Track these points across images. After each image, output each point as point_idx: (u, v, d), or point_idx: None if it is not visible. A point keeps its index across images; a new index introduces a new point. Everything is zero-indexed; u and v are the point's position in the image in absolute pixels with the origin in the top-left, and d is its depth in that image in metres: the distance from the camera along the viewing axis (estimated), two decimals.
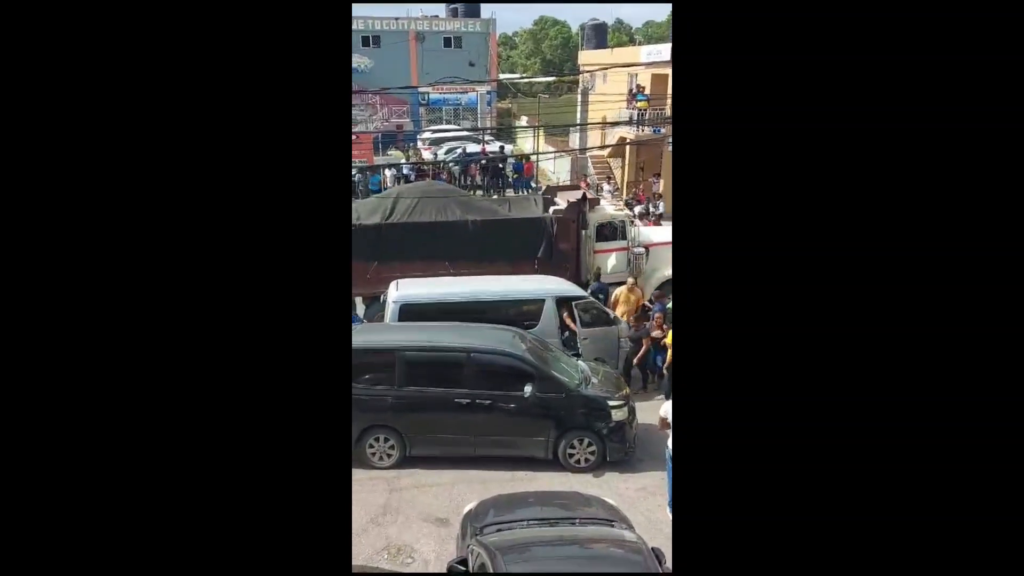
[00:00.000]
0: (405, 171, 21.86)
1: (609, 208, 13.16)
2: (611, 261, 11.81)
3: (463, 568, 4.81)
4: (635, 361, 9.53)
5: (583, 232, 11.43)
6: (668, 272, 11.31)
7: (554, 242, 11.19)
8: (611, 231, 11.86)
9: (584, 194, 12.64)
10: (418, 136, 30.16)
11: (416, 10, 34.90)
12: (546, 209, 12.07)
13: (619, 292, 10.35)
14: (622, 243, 11.85)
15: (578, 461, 7.67)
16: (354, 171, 19.92)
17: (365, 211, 11.60)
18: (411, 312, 8.97)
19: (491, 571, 4.41)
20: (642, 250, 11.75)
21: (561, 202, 12.12)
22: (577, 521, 5.36)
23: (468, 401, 7.56)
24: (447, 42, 35.66)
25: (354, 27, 30.80)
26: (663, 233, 12.47)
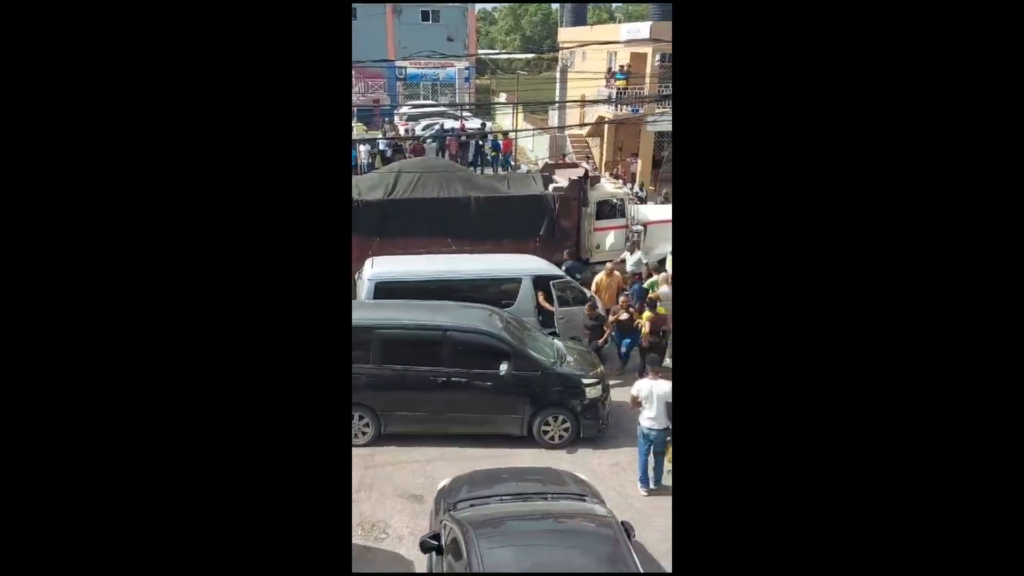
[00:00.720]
0: (381, 146, 21.55)
1: (609, 186, 13.23)
2: (610, 239, 11.95)
3: (435, 543, 4.88)
4: (600, 343, 9.47)
5: (584, 209, 11.47)
6: (666, 249, 11.43)
7: (556, 219, 11.21)
8: (610, 209, 11.97)
9: (586, 171, 12.65)
10: (395, 111, 29.73)
11: None
12: (545, 187, 12.07)
13: (598, 279, 10.38)
14: (621, 221, 11.96)
15: (552, 438, 7.76)
16: None
17: (366, 186, 11.49)
18: (386, 290, 8.94)
19: (463, 545, 4.47)
20: (641, 228, 11.85)
21: (560, 179, 12.11)
22: (549, 496, 5.45)
23: (444, 379, 7.58)
24: (425, 16, 35.03)
25: None
26: (661, 211, 12.58)
